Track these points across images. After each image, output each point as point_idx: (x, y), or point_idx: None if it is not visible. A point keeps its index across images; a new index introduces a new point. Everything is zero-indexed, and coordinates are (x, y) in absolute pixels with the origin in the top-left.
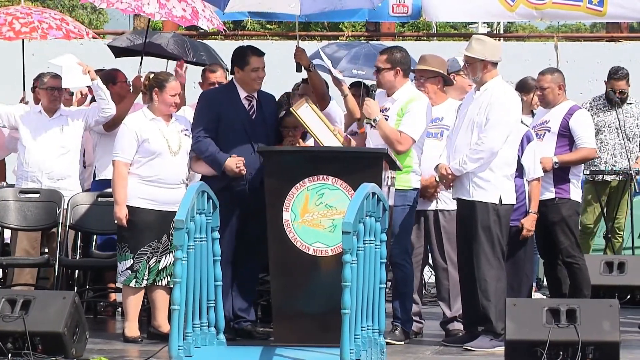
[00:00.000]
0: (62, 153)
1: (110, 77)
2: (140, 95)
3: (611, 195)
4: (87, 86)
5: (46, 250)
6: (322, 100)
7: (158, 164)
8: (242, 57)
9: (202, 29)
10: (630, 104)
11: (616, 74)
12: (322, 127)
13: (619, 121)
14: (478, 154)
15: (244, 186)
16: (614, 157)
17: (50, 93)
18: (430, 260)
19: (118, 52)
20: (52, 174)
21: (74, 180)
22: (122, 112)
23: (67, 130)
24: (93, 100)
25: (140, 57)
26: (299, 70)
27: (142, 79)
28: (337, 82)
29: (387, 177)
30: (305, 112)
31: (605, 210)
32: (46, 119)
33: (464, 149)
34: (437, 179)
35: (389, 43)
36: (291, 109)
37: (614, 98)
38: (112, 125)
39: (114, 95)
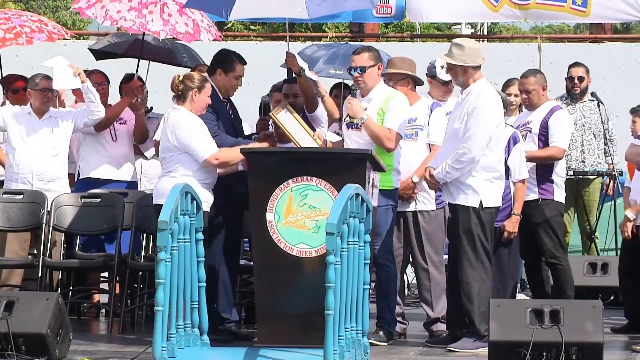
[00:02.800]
0: (53, 155)
1: None
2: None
3: (584, 195)
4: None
5: (35, 251)
6: (311, 104)
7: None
8: (229, 62)
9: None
10: (593, 100)
11: (574, 64)
12: (301, 132)
13: (584, 117)
14: (459, 163)
15: (243, 186)
16: (582, 153)
17: (43, 94)
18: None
19: (99, 55)
20: (43, 175)
21: (64, 182)
22: (113, 114)
23: (57, 132)
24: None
25: (136, 61)
26: (289, 76)
27: (175, 81)
28: (313, 84)
29: (371, 178)
30: (284, 117)
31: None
32: (36, 120)
33: (448, 155)
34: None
35: (372, 44)
36: (270, 113)
37: (569, 87)
38: (103, 125)
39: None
